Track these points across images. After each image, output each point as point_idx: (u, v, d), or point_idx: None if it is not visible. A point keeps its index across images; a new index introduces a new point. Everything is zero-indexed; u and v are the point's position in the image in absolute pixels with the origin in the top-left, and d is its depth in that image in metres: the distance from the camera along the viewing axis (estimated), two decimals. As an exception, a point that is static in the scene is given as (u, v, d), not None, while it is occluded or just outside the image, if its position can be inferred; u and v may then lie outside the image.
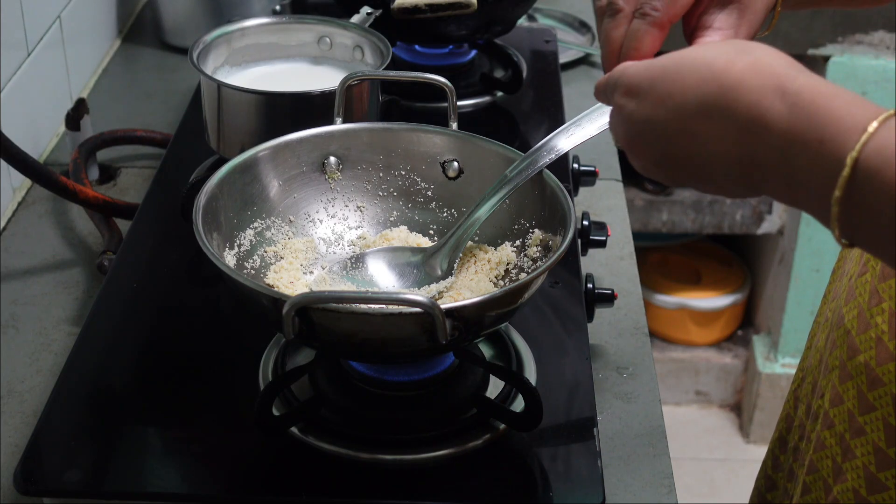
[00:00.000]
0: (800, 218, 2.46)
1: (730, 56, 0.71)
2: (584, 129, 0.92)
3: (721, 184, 0.73)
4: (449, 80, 1.04)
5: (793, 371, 2.57)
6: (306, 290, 0.96)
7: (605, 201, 1.38)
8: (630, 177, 2.23)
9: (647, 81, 0.74)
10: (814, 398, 0.95)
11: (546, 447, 0.92)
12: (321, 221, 1.03)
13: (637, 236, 1.65)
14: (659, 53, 0.79)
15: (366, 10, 1.33)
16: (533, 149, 0.95)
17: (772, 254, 2.66)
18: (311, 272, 1.00)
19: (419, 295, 0.82)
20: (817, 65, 2.36)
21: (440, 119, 1.06)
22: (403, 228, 1.04)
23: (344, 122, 1.04)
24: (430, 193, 1.04)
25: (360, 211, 1.04)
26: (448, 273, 0.97)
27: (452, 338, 0.82)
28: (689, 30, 0.87)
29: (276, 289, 0.94)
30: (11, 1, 1.33)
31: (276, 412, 0.90)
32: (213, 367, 1.01)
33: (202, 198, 0.92)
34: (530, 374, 0.98)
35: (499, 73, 1.50)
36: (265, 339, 1.00)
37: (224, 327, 1.08)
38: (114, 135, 1.43)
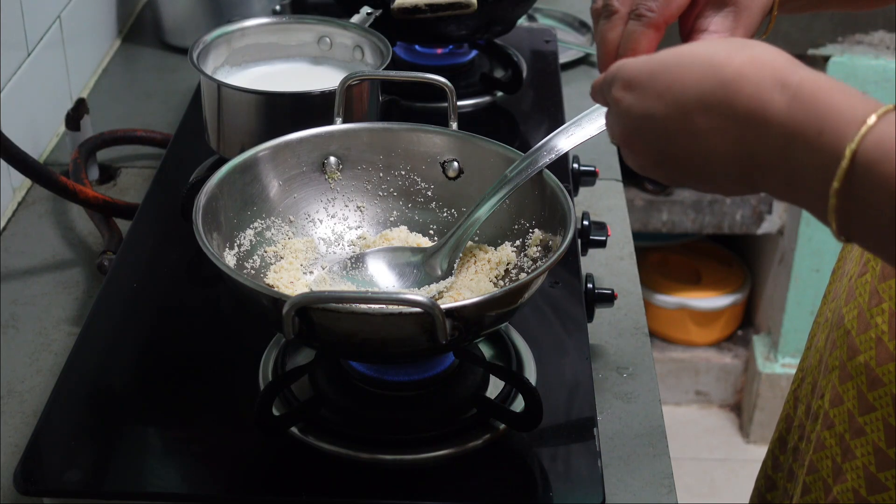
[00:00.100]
0: (800, 218, 2.46)
1: (729, 51, 0.71)
2: (584, 129, 0.92)
3: (720, 183, 0.73)
4: (449, 80, 1.04)
5: (793, 371, 2.56)
6: (306, 290, 0.96)
7: (605, 201, 1.38)
8: (630, 177, 2.23)
9: (646, 74, 0.74)
10: (814, 398, 0.95)
11: (546, 447, 0.92)
12: (321, 221, 1.03)
13: (637, 236, 1.65)
14: (656, 54, 0.79)
15: (366, 10, 1.33)
16: (533, 149, 0.95)
17: (772, 254, 2.66)
18: (311, 272, 1.00)
19: (419, 295, 0.82)
20: (817, 65, 2.36)
21: (440, 119, 1.06)
22: (403, 228, 1.04)
23: (344, 122, 1.04)
24: (430, 193, 1.04)
25: (360, 211, 1.04)
26: (448, 273, 0.97)
27: (452, 338, 0.82)
28: (685, 32, 0.87)
29: (276, 289, 0.94)
30: (11, 1, 1.33)
31: (276, 412, 0.90)
32: (213, 367, 1.01)
33: (202, 198, 0.92)
34: (530, 374, 0.98)
35: (499, 73, 1.50)
36: (265, 339, 1.00)
37: (224, 327, 1.08)
38: (114, 135, 1.43)
